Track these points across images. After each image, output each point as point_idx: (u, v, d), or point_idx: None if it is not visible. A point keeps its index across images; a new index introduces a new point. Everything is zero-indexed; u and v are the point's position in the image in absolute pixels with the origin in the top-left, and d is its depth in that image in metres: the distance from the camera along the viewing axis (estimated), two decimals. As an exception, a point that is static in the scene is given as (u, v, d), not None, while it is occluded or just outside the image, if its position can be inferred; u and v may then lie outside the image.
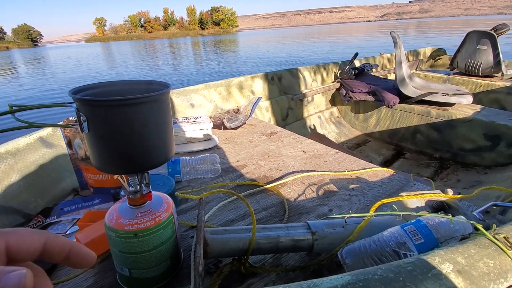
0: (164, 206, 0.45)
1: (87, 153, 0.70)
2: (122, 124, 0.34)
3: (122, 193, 0.58)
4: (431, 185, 0.78)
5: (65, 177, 0.77)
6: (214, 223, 0.63)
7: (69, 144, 0.72)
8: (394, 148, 1.81)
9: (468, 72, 2.29)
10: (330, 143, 1.59)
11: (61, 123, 0.56)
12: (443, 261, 0.34)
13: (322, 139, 1.68)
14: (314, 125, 1.97)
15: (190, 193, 0.71)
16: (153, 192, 0.46)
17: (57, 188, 0.74)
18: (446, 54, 2.97)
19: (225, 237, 0.48)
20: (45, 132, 0.78)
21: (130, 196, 0.43)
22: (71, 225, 0.61)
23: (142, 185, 0.43)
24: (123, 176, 0.42)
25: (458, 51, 2.35)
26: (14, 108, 0.38)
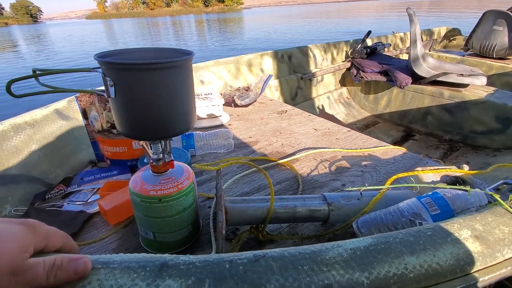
0: (185, 175, 0.47)
1: (103, 125, 0.71)
2: (149, 88, 0.34)
3: (145, 160, 0.60)
4: (441, 165, 0.78)
5: (81, 149, 0.78)
6: (229, 196, 0.64)
7: (85, 117, 0.73)
8: (404, 129, 1.80)
9: (483, 53, 2.21)
10: (339, 124, 1.58)
11: (88, 89, 0.56)
12: (461, 228, 0.35)
13: (331, 120, 1.67)
14: (322, 106, 1.95)
15: (203, 166, 0.73)
16: (174, 161, 0.47)
17: (75, 159, 0.76)
18: (461, 35, 2.86)
19: (244, 206, 0.49)
20: (61, 104, 0.78)
21: (154, 163, 0.44)
22: (92, 194, 0.64)
23: (165, 153, 0.44)
24: (147, 143, 0.43)
25: (473, 31, 2.26)
26: (37, 72, 0.39)
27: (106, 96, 0.37)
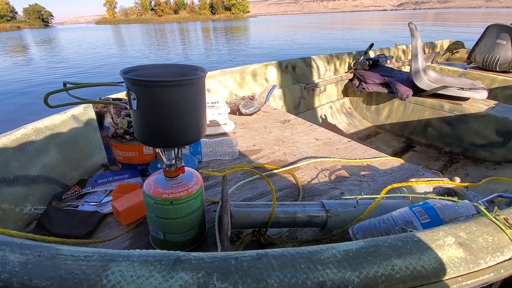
0: (194, 180, 0.51)
1: (117, 131, 0.75)
2: (168, 102, 0.39)
3: (158, 165, 0.64)
4: (439, 176, 0.81)
5: (95, 153, 0.83)
6: (233, 201, 0.68)
7: (100, 123, 0.78)
8: (404, 140, 1.83)
9: (486, 66, 2.25)
10: (341, 134, 1.61)
11: (112, 101, 0.61)
12: (446, 235, 0.38)
13: (333, 129, 1.71)
14: (325, 115, 1.99)
15: (210, 172, 0.77)
16: (185, 167, 0.51)
17: (89, 162, 0.80)
18: (464, 47, 2.91)
19: (247, 210, 0.53)
20: (78, 110, 0.83)
21: (167, 169, 0.48)
22: (105, 196, 0.68)
23: (177, 159, 0.48)
24: (161, 150, 0.47)
25: (476, 44, 2.30)
26: (68, 85, 0.43)
27: (129, 108, 0.41)
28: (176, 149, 0.47)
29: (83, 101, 0.44)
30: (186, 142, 0.44)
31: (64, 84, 0.44)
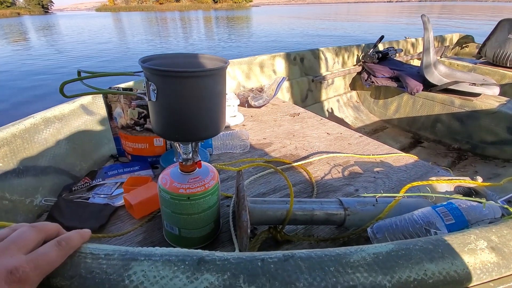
0: (211, 175, 0.49)
1: (128, 122, 0.73)
2: (191, 94, 0.37)
3: (174, 159, 0.62)
4: (450, 173, 0.80)
5: (103, 144, 0.81)
6: (247, 195, 0.67)
7: (109, 113, 0.76)
8: (412, 136, 1.81)
9: (496, 62, 2.21)
10: (348, 128, 1.59)
11: (130, 91, 0.59)
12: (478, 238, 0.37)
13: (340, 123, 1.68)
14: (332, 109, 1.96)
15: (223, 165, 0.75)
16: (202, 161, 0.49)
17: (97, 153, 0.79)
18: (474, 42, 2.85)
19: (264, 206, 0.52)
20: (86, 100, 0.81)
21: (183, 163, 0.46)
22: (115, 188, 0.66)
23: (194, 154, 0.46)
24: (178, 144, 0.45)
25: (488, 39, 2.25)
26: (82, 74, 0.41)
27: (147, 99, 0.39)
28: (193, 142, 0.45)
29: (99, 91, 0.42)
30: (206, 136, 0.42)
31: (79, 72, 0.42)
